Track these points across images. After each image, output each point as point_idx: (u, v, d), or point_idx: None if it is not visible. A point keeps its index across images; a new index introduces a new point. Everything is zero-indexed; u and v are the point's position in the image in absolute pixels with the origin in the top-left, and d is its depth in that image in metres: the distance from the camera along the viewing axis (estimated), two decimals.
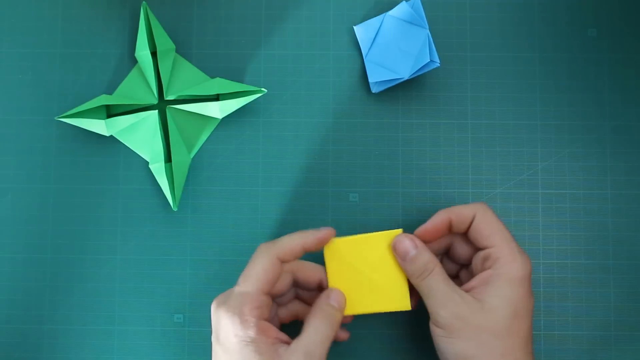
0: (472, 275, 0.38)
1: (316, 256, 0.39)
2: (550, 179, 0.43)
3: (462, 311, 0.35)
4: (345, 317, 0.39)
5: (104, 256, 0.43)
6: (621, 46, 0.44)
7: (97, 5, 0.45)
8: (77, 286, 0.43)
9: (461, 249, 0.39)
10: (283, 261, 0.37)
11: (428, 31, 0.42)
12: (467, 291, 0.36)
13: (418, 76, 0.44)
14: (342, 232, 0.43)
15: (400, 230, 0.38)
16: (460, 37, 0.44)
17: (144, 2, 0.42)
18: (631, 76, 0.44)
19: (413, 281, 0.37)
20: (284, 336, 0.36)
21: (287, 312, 0.40)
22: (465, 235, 0.38)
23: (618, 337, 0.42)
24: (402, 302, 0.38)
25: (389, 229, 0.38)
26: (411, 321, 0.43)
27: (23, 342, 0.43)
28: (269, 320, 0.37)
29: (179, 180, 0.42)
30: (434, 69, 0.43)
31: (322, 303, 0.37)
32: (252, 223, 0.43)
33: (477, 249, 0.38)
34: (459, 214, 0.37)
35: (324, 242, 0.38)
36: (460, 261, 0.40)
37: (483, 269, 0.36)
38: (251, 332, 0.35)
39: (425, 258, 0.37)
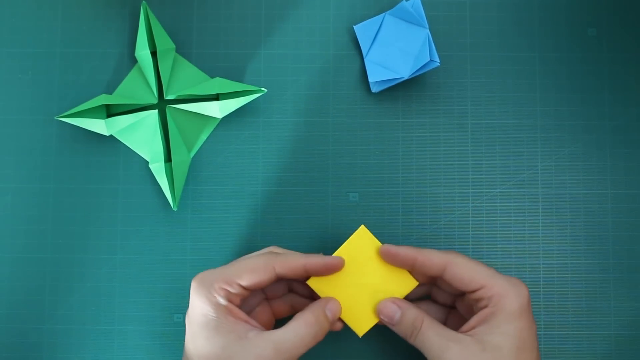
0: (468, 305, 0.37)
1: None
2: (550, 178, 0.43)
3: (463, 358, 0.33)
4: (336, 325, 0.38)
5: (104, 256, 0.43)
6: (621, 46, 0.44)
7: (97, 5, 0.45)
8: (77, 286, 0.43)
9: (446, 290, 0.38)
10: (279, 274, 0.36)
11: (428, 31, 0.42)
12: (466, 332, 0.35)
13: (418, 76, 0.44)
14: (342, 232, 0.43)
15: (362, 226, 0.37)
16: (460, 37, 0.44)
17: (143, 1, 0.42)
18: (631, 76, 0.44)
19: (408, 341, 0.36)
20: (255, 324, 0.35)
21: (283, 305, 0.39)
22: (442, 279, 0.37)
23: (618, 337, 0.42)
24: (408, 284, 0.37)
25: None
26: None
27: (23, 342, 0.43)
28: (241, 310, 0.36)
29: (179, 180, 0.42)
30: (433, 68, 0.43)
31: (317, 308, 0.36)
32: (252, 223, 0.43)
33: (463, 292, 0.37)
34: (427, 258, 0.36)
35: (331, 268, 0.36)
36: (452, 292, 0.39)
37: (480, 308, 0.35)
38: (216, 308, 0.34)
39: (411, 316, 0.36)
